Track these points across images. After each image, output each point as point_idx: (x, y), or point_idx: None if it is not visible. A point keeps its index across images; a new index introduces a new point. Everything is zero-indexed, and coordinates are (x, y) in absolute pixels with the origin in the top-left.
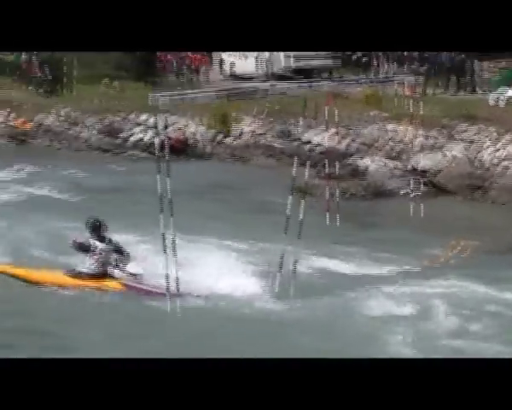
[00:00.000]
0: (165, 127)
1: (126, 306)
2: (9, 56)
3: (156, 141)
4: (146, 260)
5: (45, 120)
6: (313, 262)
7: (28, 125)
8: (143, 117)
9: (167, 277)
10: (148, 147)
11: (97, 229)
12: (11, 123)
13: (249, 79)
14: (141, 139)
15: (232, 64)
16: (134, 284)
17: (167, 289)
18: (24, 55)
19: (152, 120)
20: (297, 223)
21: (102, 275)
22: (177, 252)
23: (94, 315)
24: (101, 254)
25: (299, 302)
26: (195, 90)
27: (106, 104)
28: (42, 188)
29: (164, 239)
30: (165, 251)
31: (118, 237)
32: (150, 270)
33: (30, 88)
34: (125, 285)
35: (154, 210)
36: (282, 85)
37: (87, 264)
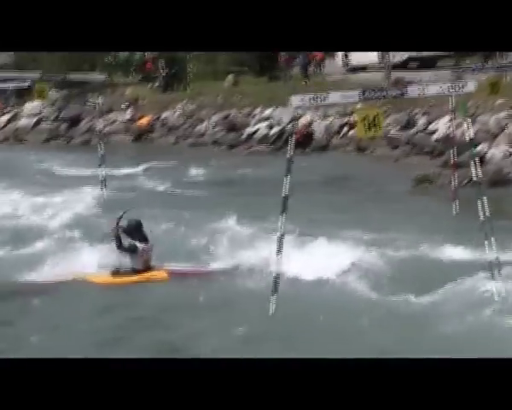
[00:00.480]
0: (291, 121)
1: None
2: (132, 55)
3: (290, 141)
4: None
5: (165, 116)
6: (440, 251)
7: (148, 122)
8: (267, 112)
9: (276, 278)
10: (273, 142)
11: (138, 230)
12: (131, 120)
13: (363, 69)
14: (265, 134)
15: (346, 54)
16: (179, 270)
17: (273, 290)
18: (147, 54)
19: (276, 115)
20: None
21: (147, 268)
22: (297, 247)
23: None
24: (143, 254)
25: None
26: (331, 93)
27: (229, 100)
28: (162, 183)
29: (281, 240)
30: (279, 252)
31: (239, 230)
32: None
33: (150, 85)
34: (170, 272)
35: (275, 203)
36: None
37: (131, 263)
